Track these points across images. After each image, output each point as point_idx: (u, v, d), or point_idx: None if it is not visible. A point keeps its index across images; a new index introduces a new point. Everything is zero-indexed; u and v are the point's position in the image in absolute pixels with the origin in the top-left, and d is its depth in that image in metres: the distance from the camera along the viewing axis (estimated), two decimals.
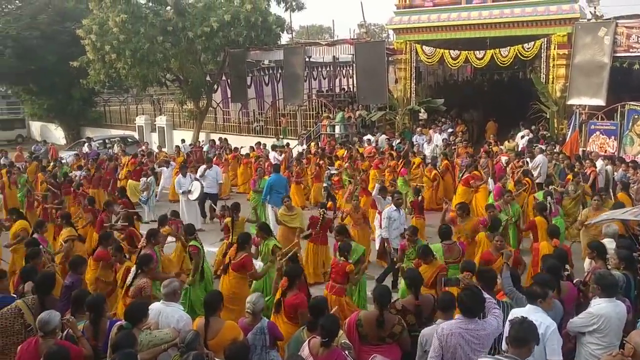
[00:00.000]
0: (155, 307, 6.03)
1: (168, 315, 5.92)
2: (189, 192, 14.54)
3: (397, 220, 10.47)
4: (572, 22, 19.39)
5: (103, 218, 11.19)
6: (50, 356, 4.75)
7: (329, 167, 16.32)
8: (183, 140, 24.67)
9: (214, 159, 18.77)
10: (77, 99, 32.25)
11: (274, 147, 20.58)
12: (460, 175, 14.76)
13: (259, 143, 21.11)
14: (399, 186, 14.34)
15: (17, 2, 31.93)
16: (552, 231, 8.62)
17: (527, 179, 13.45)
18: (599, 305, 5.48)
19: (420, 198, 12.39)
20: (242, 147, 21.18)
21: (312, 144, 21.58)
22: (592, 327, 5.41)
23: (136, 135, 30.13)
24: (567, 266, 7.18)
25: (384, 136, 21.52)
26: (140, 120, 31.04)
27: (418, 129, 21.71)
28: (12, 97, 38.05)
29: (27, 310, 6.13)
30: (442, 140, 19.81)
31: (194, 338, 5.01)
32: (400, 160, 16.51)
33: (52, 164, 19.05)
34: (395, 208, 10.59)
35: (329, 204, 14.64)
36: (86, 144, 24.94)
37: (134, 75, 25.40)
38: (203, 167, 15.56)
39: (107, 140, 27.41)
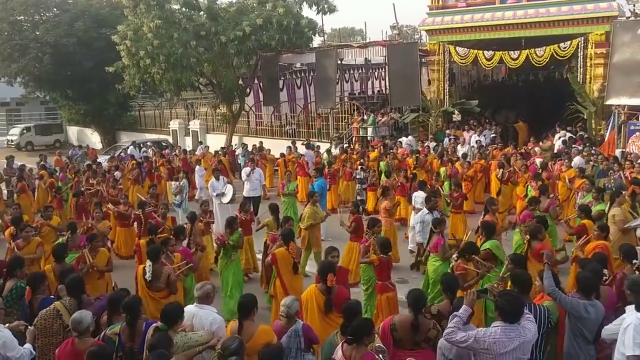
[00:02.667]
0: (189, 309, 6.04)
1: (202, 318, 5.92)
2: (222, 195, 14.58)
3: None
4: (610, 20, 18.99)
5: (152, 214, 11.56)
6: (92, 354, 4.84)
7: (361, 167, 16.37)
8: (201, 142, 25.74)
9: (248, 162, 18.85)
10: (112, 103, 32.80)
11: (308, 147, 20.64)
12: (501, 177, 14.42)
13: (289, 147, 21.13)
14: (445, 188, 14.32)
15: (55, 9, 32.61)
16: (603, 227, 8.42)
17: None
18: (633, 311, 5.29)
19: (459, 193, 12.25)
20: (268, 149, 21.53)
21: (357, 145, 21.38)
22: None
23: (170, 139, 30.50)
24: (606, 270, 6.99)
25: (411, 137, 21.35)
26: (174, 125, 31.44)
27: (448, 131, 21.50)
28: (50, 102, 38.90)
29: (65, 311, 6.21)
30: (476, 142, 19.56)
31: (238, 347, 4.92)
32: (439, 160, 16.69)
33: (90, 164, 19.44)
34: (428, 211, 10.45)
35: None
36: (130, 147, 25.43)
37: (167, 80, 25.68)
38: (247, 169, 15.46)
39: (142, 144, 27.81)
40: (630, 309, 5.33)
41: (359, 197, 15.86)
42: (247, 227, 11.04)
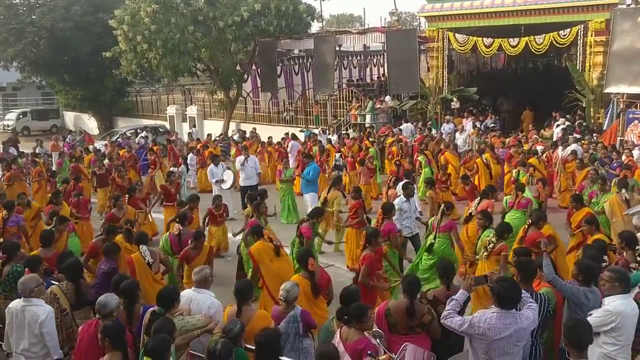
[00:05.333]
0: (186, 294, 6.06)
1: (199, 302, 5.93)
2: (222, 181, 14.54)
3: (408, 211, 10.22)
4: (611, 8, 18.89)
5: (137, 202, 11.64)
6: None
7: (340, 154, 16.72)
8: (194, 125, 26.37)
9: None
10: (109, 89, 32.65)
11: (309, 137, 20.59)
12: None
13: (287, 134, 21.05)
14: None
15: None
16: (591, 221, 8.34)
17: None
18: (615, 303, 5.21)
19: (470, 186, 12.21)
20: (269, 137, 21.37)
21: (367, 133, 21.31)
22: (610, 326, 5.13)
23: (167, 125, 30.41)
24: (605, 257, 6.99)
25: (409, 125, 21.33)
26: (171, 110, 31.33)
27: (447, 117, 21.46)
28: (47, 87, 38.69)
29: (62, 295, 6.24)
30: (474, 128, 19.55)
31: (239, 331, 5.01)
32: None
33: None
34: (405, 199, 10.27)
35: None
36: (141, 134, 25.34)
37: (165, 65, 25.53)
38: (241, 157, 15.30)
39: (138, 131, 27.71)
40: (612, 299, 5.23)
41: None
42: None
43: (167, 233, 8.84)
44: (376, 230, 8.01)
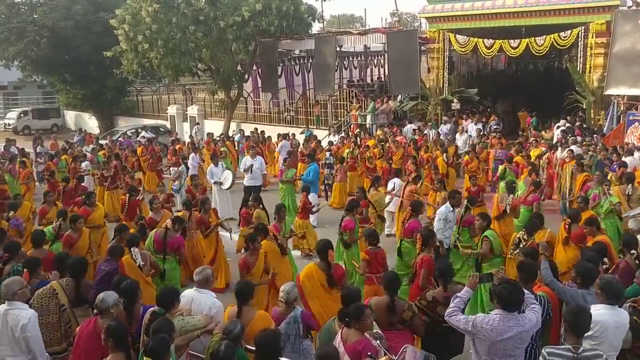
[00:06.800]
0: (188, 294, 6.06)
1: (201, 302, 5.94)
2: (220, 182, 14.53)
3: (452, 221, 9.86)
4: (612, 10, 18.86)
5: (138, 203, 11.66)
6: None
7: (329, 152, 16.88)
8: (198, 123, 26.65)
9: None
10: (110, 88, 32.64)
11: (285, 137, 20.57)
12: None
13: (287, 134, 21.03)
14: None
15: None
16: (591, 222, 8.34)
17: None
18: (598, 312, 5.14)
19: (476, 187, 12.07)
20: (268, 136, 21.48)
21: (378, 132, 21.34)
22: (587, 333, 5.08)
23: (168, 124, 30.42)
24: (606, 259, 6.99)
25: (412, 125, 21.35)
26: (172, 110, 31.34)
27: (444, 118, 21.46)
28: (48, 86, 38.74)
29: (61, 291, 6.27)
30: (476, 130, 19.57)
31: (240, 332, 5.03)
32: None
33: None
34: (452, 208, 9.85)
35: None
36: (142, 133, 25.32)
37: (166, 65, 25.57)
38: (247, 158, 15.08)
39: (138, 130, 27.69)
40: (597, 307, 5.17)
41: (327, 182, 16.31)
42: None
43: (154, 230, 8.78)
44: (431, 232, 7.94)
